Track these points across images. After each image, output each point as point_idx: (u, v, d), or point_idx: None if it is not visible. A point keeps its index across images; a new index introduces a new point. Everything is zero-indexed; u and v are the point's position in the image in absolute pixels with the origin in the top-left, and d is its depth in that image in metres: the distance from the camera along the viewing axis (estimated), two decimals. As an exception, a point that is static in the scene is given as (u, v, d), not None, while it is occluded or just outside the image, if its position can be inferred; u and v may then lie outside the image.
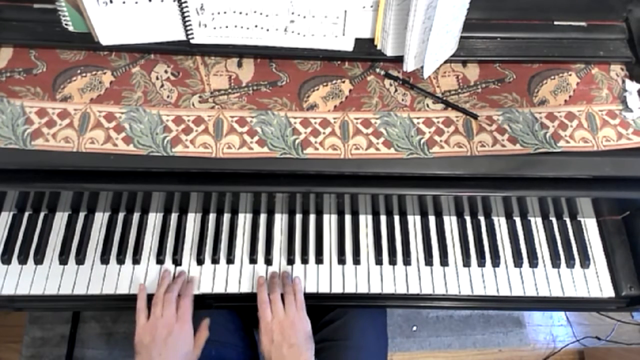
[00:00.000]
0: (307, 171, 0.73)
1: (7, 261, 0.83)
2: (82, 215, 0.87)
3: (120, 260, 0.84)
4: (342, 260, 0.87)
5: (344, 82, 0.79)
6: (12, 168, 0.71)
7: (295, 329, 0.75)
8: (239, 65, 0.79)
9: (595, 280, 0.88)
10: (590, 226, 0.92)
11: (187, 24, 0.73)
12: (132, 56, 0.78)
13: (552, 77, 0.82)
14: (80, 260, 0.84)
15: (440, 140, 0.75)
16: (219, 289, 0.84)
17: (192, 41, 0.75)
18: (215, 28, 0.73)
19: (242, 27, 0.74)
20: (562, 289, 0.87)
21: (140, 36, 0.74)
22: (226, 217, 0.89)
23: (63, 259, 0.83)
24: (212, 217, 0.88)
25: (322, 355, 0.85)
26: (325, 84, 0.79)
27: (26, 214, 0.86)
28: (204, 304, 0.84)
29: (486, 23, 0.82)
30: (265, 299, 0.78)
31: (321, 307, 0.85)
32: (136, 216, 0.87)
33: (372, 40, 0.78)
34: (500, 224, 0.91)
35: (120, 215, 0.87)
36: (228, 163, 0.72)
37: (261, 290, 0.80)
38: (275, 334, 0.74)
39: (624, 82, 0.81)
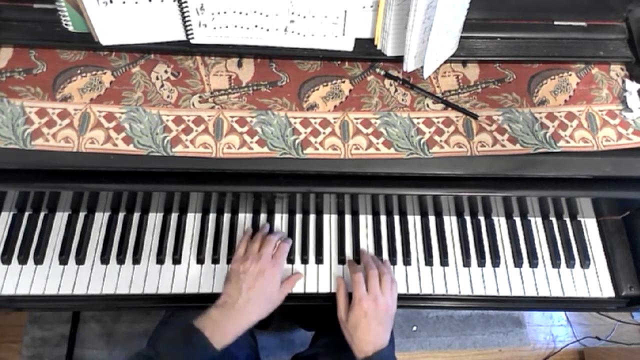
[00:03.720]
0: (307, 171, 0.73)
1: (7, 261, 0.83)
2: (82, 215, 0.87)
3: (121, 260, 0.84)
4: (342, 260, 0.87)
5: (344, 82, 0.79)
6: (12, 168, 0.71)
7: (389, 310, 0.78)
8: (239, 65, 0.79)
9: (595, 280, 0.88)
10: (590, 226, 0.92)
11: (187, 24, 0.73)
12: (132, 56, 0.78)
13: (552, 77, 0.82)
14: (80, 260, 0.84)
15: (440, 140, 0.75)
16: (219, 288, 0.83)
17: (192, 41, 0.75)
18: (215, 28, 0.73)
19: (242, 27, 0.74)
20: (562, 289, 0.87)
21: (140, 36, 0.74)
22: (226, 217, 0.89)
23: (63, 259, 0.83)
24: (212, 217, 0.88)
25: (332, 356, 0.86)
26: (325, 84, 0.79)
27: (26, 214, 0.86)
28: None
29: (486, 23, 0.82)
30: (357, 269, 0.81)
31: (322, 307, 0.85)
32: (136, 216, 0.87)
33: (372, 40, 0.78)
34: (500, 224, 0.91)
35: (121, 215, 0.87)
36: (228, 163, 0.72)
37: (353, 263, 0.85)
38: (370, 310, 0.76)
39: (624, 82, 0.81)
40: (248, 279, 0.75)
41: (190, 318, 0.88)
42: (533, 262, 0.88)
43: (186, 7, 0.70)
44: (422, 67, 0.76)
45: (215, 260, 0.85)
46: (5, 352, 1.47)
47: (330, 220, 0.90)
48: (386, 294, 0.78)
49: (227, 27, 0.73)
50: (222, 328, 0.72)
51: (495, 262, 0.88)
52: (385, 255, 0.87)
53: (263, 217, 0.89)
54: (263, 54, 0.79)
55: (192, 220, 0.88)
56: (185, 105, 0.75)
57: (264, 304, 0.76)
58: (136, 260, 0.84)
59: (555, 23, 0.83)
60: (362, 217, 0.90)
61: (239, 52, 0.78)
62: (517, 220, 0.91)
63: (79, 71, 0.76)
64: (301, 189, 0.77)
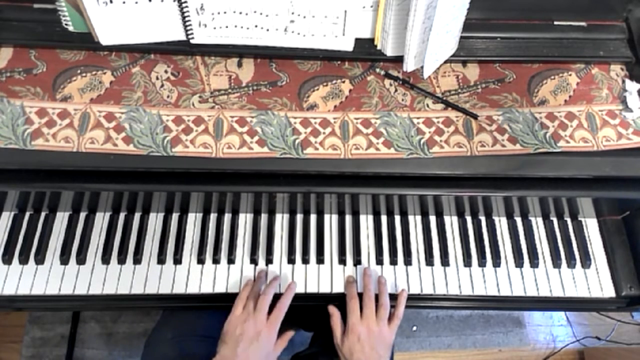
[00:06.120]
0: (307, 171, 0.73)
1: (8, 261, 0.83)
2: (83, 215, 0.87)
3: (122, 261, 0.84)
4: (342, 261, 0.87)
5: (344, 82, 0.79)
6: (12, 168, 0.71)
7: (383, 342, 0.77)
8: (239, 65, 0.79)
9: (596, 280, 0.88)
10: (591, 226, 0.92)
11: (187, 24, 0.73)
12: (132, 56, 0.78)
13: (552, 77, 0.82)
14: (81, 260, 0.84)
15: (440, 140, 0.75)
16: (220, 288, 0.84)
17: (192, 41, 0.75)
18: (215, 28, 0.73)
19: (242, 27, 0.74)
20: (562, 289, 0.87)
21: (140, 36, 0.74)
22: (227, 217, 0.89)
23: (64, 259, 0.83)
24: (213, 217, 0.88)
25: (331, 356, 0.86)
26: (325, 84, 0.79)
27: (27, 214, 0.86)
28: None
29: (486, 23, 0.82)
30: (354, 294, 0.80)
31: (321, 308, 0.85)
32: (137, 216, 0.87)
33: (372, 40, 0.78)
34: (501, 223, 0.91)
35: (121, 216, 0.87)
36: (228, 163, 0.72)
37: (351, 286, 0.82)
38: (363, 335, 0.76)
39: (624, 82, 0.81)
40: (244, 342, 0.73)
41: (188, 319, 0.89)
42: (534, 262, 0.88)
43: (186, 7, 0.70)
44: (422, 67, 0.76)
45: (216, 261, 0.85)
46: (5, 352, 1.47)
47: (331, 221, 0.90)
48: (381, 324, 0.77)
49: (227, 27, 0.73)
50: None
51: (496, 262, 0.88)
52: (386, 255, 0.87)
53: (264, 217, 0.89)
54: (263, 54, 0.79)
55: (193, 221, 0.88)
56: (185, 105, 0.75)
57: None
58: (137, 260, 0.84)
59: (555, 23, 0.83)
60: (362, 217, 0.90)
61: (239, 52, 0.78)
62: (518, 220, 0.91)
63: (79, 71, 0.76)
64: (301, 189, 0.77)
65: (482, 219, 0.91)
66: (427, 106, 0.78)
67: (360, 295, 0.80)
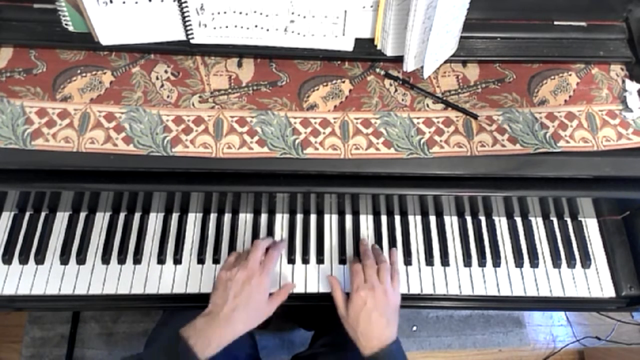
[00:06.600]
0: (307, 171, 0.73)
1: (8, 261, 0.83)
2: (83, 215, 0.87)
3: (122, 260, 0.84)
4: (343, 260, 0.87)
5: (344, 82, 0.79)
6: (12, 168, 0.71)
7: (388, 300, 0.75)
8: (239, 65, 0.79)
9: (596, 280, 0.88)
10: (591, 226, 0.92)
11: (187, 24, 0.73)
12: (132, 56, 0.78)
13: (552, 77, 0.82)
14: (81, 260, 0.84)
15: (440, 140, 0.75)
16: (219, 289, 0.84)
17: (192, 41, 0.75)
18: (215, 28, 0.73)
19: (242, 27, 0.74)
20: (562, 289, 0.87)
21: (140, 36, 0.74)
22: (227, 217, 0.89)
23: (64, 259, 0.83)
24: (213, 217, 0.88)
25: (331, 355, 0.86)
26: (325, 84, 0.79)
27: (27, 214, 0.86)
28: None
29: (486, 23, 0.82)
30: (356, 261, 0.81)
31: (321, 307, 0.85)
32: (137, 216, 0.87)
33: (372, 40, 0.78)
34: (501, 223, 0.91)
35: (121, 216, 0.87)
36: (228, 163, 0.72)
37: (354, 259, 0.84)
38: (368, 298, 0.74)
39: (624, 82, 0.81)
40: (234, 287, 0.73)
41: (188, 319, 0.89)
42: (534, 262, 0.88)
43: (186, 7, 0.70)
44: (422, 67, 0.76)
45: (216, 261, 0.85)
46: (5, 352, 1.47)
47: (331, 221, 0.90)
48: (385, 283, 0.76)
49: (227, 27, 0.73)
50: (206, 337, 0.69)
51: (496, 262, 0.88)
52: (386, 255, 0.87)
53: (264, 217, 0.89)
54: (263, 54, 0.79)
55: (193, 221, 0.88)
56: (185, 105, 0.75)
57: (251, 313, 0.74)
58: (137, 260, 0.84)
59: (555, 23, 0.83)
60: (362, 217, 0.90)
61: (239, 52, 0.78)
62: (518, 220, 0.91)
63: (79, 71, 0.76)
64: (301, 189, 0.77)
65: (482, 219, 0.91)
66: (427, 106, 0.78)
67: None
